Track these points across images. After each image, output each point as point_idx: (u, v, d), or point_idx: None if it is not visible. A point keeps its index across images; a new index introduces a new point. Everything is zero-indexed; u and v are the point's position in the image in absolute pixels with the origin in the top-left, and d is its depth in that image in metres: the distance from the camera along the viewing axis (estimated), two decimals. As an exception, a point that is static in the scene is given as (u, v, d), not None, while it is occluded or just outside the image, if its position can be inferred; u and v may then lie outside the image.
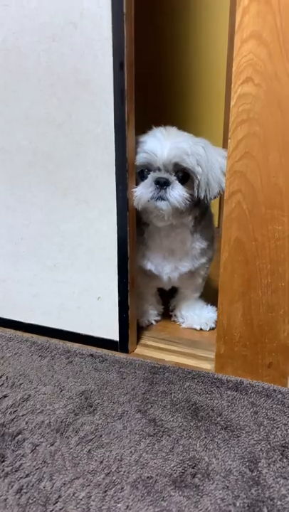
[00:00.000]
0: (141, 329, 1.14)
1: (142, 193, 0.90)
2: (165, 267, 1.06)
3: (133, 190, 0.91)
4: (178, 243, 1.02)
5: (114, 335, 1.04)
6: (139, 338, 1.10)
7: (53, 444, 0.75)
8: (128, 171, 0.90)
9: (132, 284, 1.00)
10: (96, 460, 0.72)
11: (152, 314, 1.19)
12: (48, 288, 1.07)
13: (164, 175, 0.89)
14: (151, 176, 0.90)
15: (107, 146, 0.90)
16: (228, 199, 0.81)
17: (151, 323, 1.19)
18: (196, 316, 1.16)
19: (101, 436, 0.77)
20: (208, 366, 0.98)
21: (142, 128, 0.95)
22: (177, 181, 0.90)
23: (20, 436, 0.77)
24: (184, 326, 1.17)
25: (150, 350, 1.06)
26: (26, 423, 0.80)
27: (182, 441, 0.76)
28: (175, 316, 1.20)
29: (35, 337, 1.10)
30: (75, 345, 1.07)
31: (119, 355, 1.02)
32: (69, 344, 1.07)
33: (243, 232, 0.82)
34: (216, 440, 0.76)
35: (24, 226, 1.04)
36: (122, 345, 1.04)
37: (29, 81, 0.92)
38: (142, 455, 0.73)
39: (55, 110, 0.92)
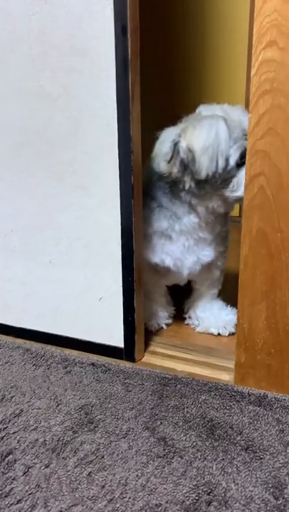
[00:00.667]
0: (149, 334, 1.14)
1: None
2: (186, 260, 1.05)
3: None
4: (211, 228, 1.02)
5: (118, 341, 1.04)
6: (147, 345, 1.10)
7: (48, 466, 0.75)
8: (133, 152, 0.89)
9: (138, 282, 0.99)
10: (97, 484, 0.72)
11: (162, 317, 1.19)
12: (43, 287, 1.07)
13: None
14: None
15: (109, 124, 0.89)
16: (248, 183, 0.80)
17: (161, 327, 1.18)
18: (213, 317, 1.15)
19: (103, 457, 0.77)
20: (226, 377, 0.97)
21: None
22: None
23: (11, 456, 0.77)
24: (198, 329, 1.16)
25: (160, 358, 1.06)
26: (18, 442, 0.80)
27: (196, 463, 0.75)
28: (189, 317, 1.19)
29: (28, 343, 1.10)
30: (74, 353, 1.07)
31: (125, 365, 1.02)
32: (67, 351, 1.07)
33: (267, 221, 0.81)
34: (235, 463, 0.75)
35: (14, 217, 1.04)
36: (127, 352, 1.04)
37: (19, 49, 0.91)
38: (149, 479, 0.72)
39: (49, 82, 0.91)
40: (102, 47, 0.85)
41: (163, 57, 1.92)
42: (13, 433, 0.82)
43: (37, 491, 0.71)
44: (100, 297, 1.02)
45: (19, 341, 1.11)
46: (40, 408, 0.89)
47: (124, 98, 0.86)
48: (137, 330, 1.02)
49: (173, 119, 0.96)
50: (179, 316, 1.27)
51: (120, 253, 0.97)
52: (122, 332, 1.03)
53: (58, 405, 0.89)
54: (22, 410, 0.88)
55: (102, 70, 0.87)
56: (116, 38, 0.84)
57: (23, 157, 0.98)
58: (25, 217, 1.03)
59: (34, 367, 1.02)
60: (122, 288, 0.99)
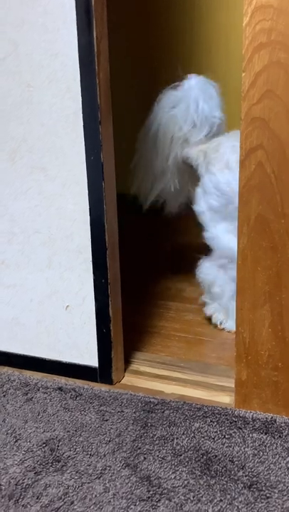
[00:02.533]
0: (130, 350, 1.15)
1: None
2: None
3: None
4: None
5: (91, 359, 1.05)
6: (127, 363, 1.11)
7: (4, 517, 0.76)
8: (101, 123, 0.90)
9: (114, 285, 1.00)
10: (65, 537, 0.73)
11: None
12: (-5, 295, 1.08)
13: None
14: None
15: (70, 88, 0.90)
16: (244, 159, 0.81)
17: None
18: None
19: (72, 502, 0.78)
20: (225, 399, 0.99)
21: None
22: None
23: None
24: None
25: (144, 378, 1.07)
26: None
27: (188, 506, 0.76)
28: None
29: (-22, 366, 1.11)
30: (36, 376, 1.07)
31: (100, 388, 1.03)
32: (28, 374, 1.08)
33: (268, 206, 0.82)
34: (236, 504, 0.77)
35: None
36: (103, 373, 1.05)
37: None
38: (130, 528, 0.74)
39: (-6, 38, 0.92)
40: (59, -8, 0.86)
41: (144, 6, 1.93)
42: None
43: None
44: (67, 305, 1.03)
45: None
46: (-6, 445, 0.89)
47: (89, 56, 0.87)
48: (114, 345, 1.03)
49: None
50: (171, 326, 1.28)
51: (90, 249, 0.98)
52: (96, 348, 1.04)
53: (16, 441, 0.90)
54: (-29, 449, 0.89)
55: (59, 22, 0.87)
56: (75, -19, 0.84)
57: None
58: None
59: (-14, 394, 1.02)
60: (93, 293, 1.00)
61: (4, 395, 1.02)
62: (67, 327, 1.04)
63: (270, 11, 0.74)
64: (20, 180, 0.98)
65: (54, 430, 0.92)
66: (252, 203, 0.83)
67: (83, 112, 0.90)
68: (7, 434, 0.92)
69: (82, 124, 0.91)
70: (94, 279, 0.99)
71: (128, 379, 1.07)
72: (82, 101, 0.90)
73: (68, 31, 0.87)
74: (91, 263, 0.99)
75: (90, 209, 0.95)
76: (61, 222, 0.98)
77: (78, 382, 1.05)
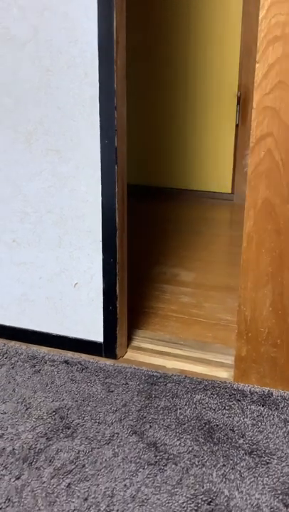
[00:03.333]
0: (131, 328, 1.15)
1: None
2: None
3: None
4: None
5: (97, 335, 1.05)
6: (130, 339, 1.11)
7: (19, 478, 0.76)
8: (117, 109, 0.90)
9: (121, 265, 1.00)
10: (79, 497, 0.73)
11: None
12: (5, 272, 1.07)
13: None
14: None
15: (88, 74, 0.89)
16: (254, 146, 0.82)
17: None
18: None
19: (84, 466, 0.78)
20: (224, 374, 1.00)
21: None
22: None
23: (-26, 467, 0.77)
24: None
25: (146, 354, 1.07)
26: (-19, 451, 0.81)
27: (193, 470, 0.77)
28: None
29: (-13, 339, 1.10)
30: (43, 350, 1.07)
31: (105, 362, 1.03)
32: (34, 348, 1.08)
33: (275, 191, 0.83)
34: (238, 468, 0.78)
35: (-29, 187, 1.04)
36: (107, 348, 1.05)
37: (-22, -18, 0.90)
38: (140, 489, 0.74)
39: (16, 24, 0.90)
40: (81, -19, 0.85)
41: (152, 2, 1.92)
42: (-25, 441, 0.82)
43: (7, 506, 0.71)
44: (75, 283, 1.03)
45: (-24, 337, 1.11)
46: (5, 413, 0.89)
47: (108, 43, 0.86)
48: (120, 322, 1.04)
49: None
50: (169, 307, 1.29)
51: (100, 230, 0.97)
52: (102, 324, 1.04)
53: (26, 409, 0.90)
54: (-16, 415, 0.88)
55: (80, 10, 0.86)
56: (98, -29, 0.84)
57: (-17, 114, 0.98)
58: (-15, 187, 1.02)
59: (-4, 366, 1.02)
60: (102, 272, 1.00)
61: (13, 367, 1.02)
62: (74, 304, 1.04)
63: (286, 6, 0.75)
64: (35, 162, 0.97)
65: (62, 400, 0.92)
66: (259, 187, 0.83)
67: (100, 98, 0.90)
68: (17, 402, 0.92)
69: (98, 108, 0.91)
70: (103, 259, 0.99)
71: (131, 354, 1.08)
72: (100, 87, 0.89)
73: (88, 19, 0.87)
74: (100, 243, 0.98)
75: (102, 191, 0.95)
76: (73, 203, 0.97)
77: (84, 356, 1.05)
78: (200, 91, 2.03)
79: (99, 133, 0.92)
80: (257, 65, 0.78)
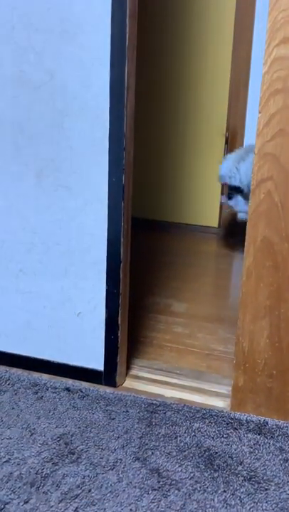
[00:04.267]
0: (129, 357, 1.18)
1: None
2: None
3: None
4: None
5: (97, 363, 1.07)
6: (128, 368, 1.14)
7: (27, 502, 0.77)
8: (125, 150, 0.94)
9: (124, 296, 1.03)
10: (86, 521, 0.74)
11: None
12: (10, 301, 1.09)
13: None
14: None
15: (99, 117, 0.94)
16: (255, 188, 0.87)
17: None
18: None
19: (90, 490, 0.80)
20: (220, 404, 1.03)
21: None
22: None
23: (-18, 492, 0.78)
24: None
25: (144, 383, 1.09)
26: (-11, 476, 0.82)
27: (195, 495, 0.79)
28: None
29: (-11, 366, 1.11)
30: (45, 377, 1.09)
31: (105, 390, 1.05)
32: (36, 375, 1.09)
33: (274, 230, 0.88)
34: (238, 494, 0.80)
35: (-20, 218, 1.06)
36: (107, 376, 1.07)
37: (-2, 28, 0.95)
38: (145, 514, 0.76)
39: (32, 68, 0.95)
40: (97, 32, 0.90)
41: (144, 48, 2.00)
42: (-17, 466, 0.84)
43: (18, 530, 0.72)
44: (79, 312, 1.06)
45: (-22, 363, 1.12)
46: (11, 438, 0.90)
47: (119, 89, 0.91)
48: (120, 351, 1.06)
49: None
50: (163, 337, 1.32)
51: (105, 262, 1.01)
52: (103, 353, 1.06)
53: (31, 435, 0.91)
54: (-10, 441, 0.89)
55: (94, 58, 0.91)
56: (112, 22, 0.89)
57: (-4, 150, 1.01)
58: (-5, 219, 1.05)
59: (-1, 392, 1.03)
60: (105, 302, 1.03)
61: (16, 393, 1.03)
62: (77, 332, 1.07)
63: (287, 62, 0.81)
64: (45, 196, 1.01)
65: (66, 426, 0.94)
66: (259, 226, 0.88)
67: (110, 139, 0.94)
68: (22, 428, 0.93)
69: (107, 149, 0.95)
70: (106, 289, 1.02)
71: (129, 382, 1.10)
72: (110, 129, 0.94)
73: (102, 66, 0.92)
74: (105, 274, 1.02)
75: (108, 225, 0.99)
76: (80, 236, 1.01)
77: (84, 384, 1.07)
78: (190, 132, 2.10)
79: (107, 171, 0.96)
80: (259, 115, 0.84)
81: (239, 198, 1.73)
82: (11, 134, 1.00)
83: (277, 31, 0.79)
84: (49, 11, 0.92)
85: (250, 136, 2.23)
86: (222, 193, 2.07)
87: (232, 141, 2.15)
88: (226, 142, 2.13)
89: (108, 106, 0.93)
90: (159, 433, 0.93)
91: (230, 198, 1.81)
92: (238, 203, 1.76)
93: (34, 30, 0.93)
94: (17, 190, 1.02)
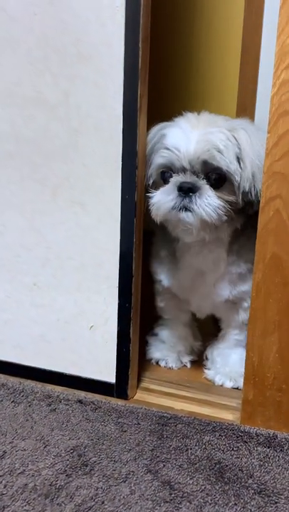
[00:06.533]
0: (140, 370, 1.18)
1: (161, 201, 0.92)
2: (193, 292, 1.10)
3: (150, 195, 0.95)
4: (209, 264, 1.04)
5: (109, 376, 1.07)
6: (138, 381, 1.14)
7: (42, 513, 0.77)
8: (138, 168, 0.95)
9: (135, 310, 1.04)
10: (100, 533, 0.74)
11: (182, 352, 1.22)
12: (24, 313, 1.10)
13: (189, 178, 0.91)
14: (174, 180, 0.92)
15: (113, 136, 0.95)
16: (264, 206, 0.88)
17: (183, 365, 1.22)
18: (226, 367, 1.14)
19: (103, 502, 0.80)
20: (229, 416, 1.02)
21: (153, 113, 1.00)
22: (208, 186, 0.91)
23: (-2, 503, 0.79)
24: (207, 375, 1.17)
25: (155, 395, 1.10)
26: (5, 487, 0.82)
27: (207, 508, 0.79)
28: (206, 357, 1.22)
29: (3, 378, 1.12)
30: (58, 389, 1.09)
31: (116, 402, 1.05)
32: (49, 387, 1.10)
33: (282, 247, 0.88)
34: (248, 507, 0.80)
35: (-4, 233, 1.08)
36: (119, 389, 1.07)
37: (16, 52, 0.97)
38: (157, 526, 0.76)
39: (49, 89, 0.97)
40: (111, 54, 0.92)
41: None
42: (-2, 477, 0.84)
43: None
44: (91, 325, 1.06)
45: (-7, 375, 1.13)
46: (25, 450, 0.90)
47: (132, 110, 0.93)
48: (132, 363, 1.06)
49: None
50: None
51: (117, 276, 1.01)
52: (115, 365, 1.06)
53: (45, 446, 0.92)
54: (5, 452, 0.90)
55: (108, 79, 0.93)
56: (126, 46, 0.91)
57: (13, 168, 1.03)
58: (11, 235, 1.06)
59: (13, 404, 1.03)
60: (117, 315, 1.03)
61: (30, 405, 1.03)
62: (89, 345, 1.07)
63: (295, 85, 0.82)
64: (59, 213, 1.02)
65: (79, 438, 0.94)
66: (268, 243, 0.89)
67: (122, 158, 0.95)
68: (36, 440, 0.93)
69: (120, 167, 0.96)
70: (118, 303, 1.03)
71: (140, 395, 1.10)
72: (123, 148, 0.95)
73: (115, 88, 0.93)
74: (117, 288, 1.02)
75: (120, 241, 1.00)
76: (94, 251, 1.02)
77: (96, 396, 1.07)
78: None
79: (120, 189, 0.97)
80: (268, 135, 0.85)
81: None
82: (29, 153, 1.01)
83: (286, 55, 0.81)
84: (64, 33, 0.93)
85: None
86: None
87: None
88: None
89: (121, 126, 0.94)
90: (170, 445, 0.93)
91: None
92: None
93: (50, 51, 0.95)
94: (33, 206, 1.04)
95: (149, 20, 0.92)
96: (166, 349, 1.22)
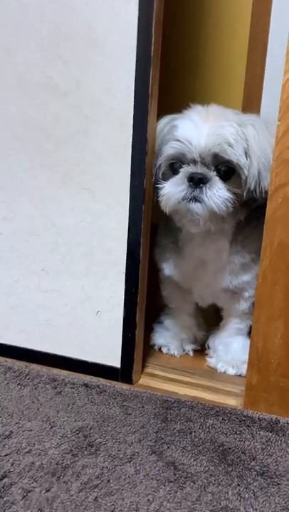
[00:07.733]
0: (144, 356, 1.18)
1: (172, 191, 0.92)
2: (195, 281, 1.10)
3: (160, 186, 0.95)
4: (212, 254, 1.05)
5: (114, 360, 1.08)
6: (143, 367, 1.14)
7: (49, 490, 0.78)
8: (147, 155, 0.96)
9: (142, 295, 1.04)
10: (105, 509, 0.75)
11: (185, 340, 1.23)
12: (32, 298, 1.10)
13: (200, 169, 0.92)
14: (184, 171, 0.92)
15: (124, 124, 0.95)
16: (273, 194, 0.88)
17: (186, 353, 1.22)
18: (229, 354, 1.15)
19: (109, 481, 0.80)
20: (232, 402, 1.03)
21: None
22: (217, 178, 0.91)
23: (6, 479, 0.79)
24: (209, 363, 1.18)
25: (159, 381, 1.10)
26: (12, 465, 0.82)
27: (210, 488, 0.80)
28: (207, 346, 1.23)
29: (10, 361, 1.12)
30: (63, 373, 1.09)
31: (121, 386, 1.05)
32: (54, 371, 1.10)
33: (289, 234, 0.89)
34: (251, 488, 0.80)
35: (6, 220, 1.08)
36: (124, 373, 1.08)
37: (28, 40, 0.97)
38: (162, 504, 0.76)
39: (60, 76, 0.97)
40: (123, 42, 0.92)
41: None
42: (6, 455, 0.84)
43: (40, 516, 0.73)
44: (98, 311, 1.07)
45: (0, 359, 1.13)
46: (31, 430, 0.91)
47: (143, 97, 0.93)
48: (137, 349, 1.07)
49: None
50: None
51: (125, 263, 1.02)
52: (120, 351, 1.07)
53: (51, 427, 0.92)
54: (12, 432, 0.90)
55: (121, 67, 0.93)
56: (138, 34, 0.91)
57: (23, 154, 1.03)
58: (20, 221, 1.07)
59: (19, 386, 1.04)
60: (123, 301, 1.04)
61: (35, 388, 1.04)
62: (96, 330, 1.08)
63: (306, 73, 0.82)
64: (69, 199, 1.02)
65: (84, 420, 0.95)
66: (276, 230, 0.89)
67: (132, 145, 0.96)
68: (42, 421, 0.94)
69: (130, 154, 0.96)
70: (125, 289, 1.03)
71: (144, 380, 1.10)
72: (133, 135, 0.95)
73: (127, 75, 0.93)
74: (124, 274, 1.03)
75: (128, 227, 1.00)
76: (102, 237, 1.02)
77: (101, 380, 1.07)
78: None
79: (130, 175, 0.97)
80: (278, 123, 0.85)
81: None
82: (39, 139, 1.01)
83: (298, 44, 0.81)
84: (77, 21, 0.94)
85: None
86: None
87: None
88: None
89: (132, 113, 0.94)
90: (174, 428, 0.93)
91: None
92: None
93: (62, 39, 0.95)
94: (43, 192, 1.04)
95: (162, 6, 0.92)
96: (170, 336, 1.22)
